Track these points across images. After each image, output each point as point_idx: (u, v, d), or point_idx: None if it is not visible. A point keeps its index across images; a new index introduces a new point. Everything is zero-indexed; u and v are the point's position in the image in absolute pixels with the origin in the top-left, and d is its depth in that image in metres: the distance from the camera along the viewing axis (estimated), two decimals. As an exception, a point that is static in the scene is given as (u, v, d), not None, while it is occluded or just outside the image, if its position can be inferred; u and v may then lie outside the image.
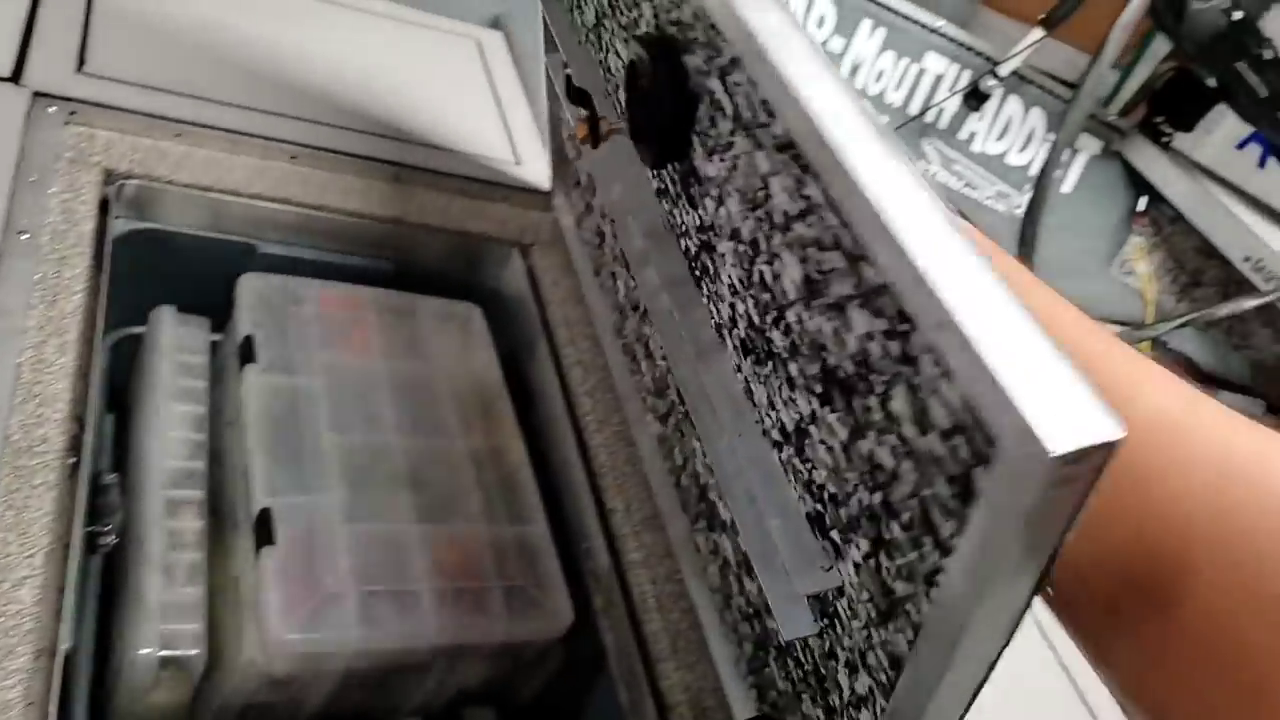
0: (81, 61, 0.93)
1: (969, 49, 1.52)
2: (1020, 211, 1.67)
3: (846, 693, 0.52)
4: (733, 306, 0.57)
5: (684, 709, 0.72)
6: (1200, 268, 1.61)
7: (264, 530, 0.72)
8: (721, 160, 0.55)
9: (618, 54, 0.70)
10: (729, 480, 0.60)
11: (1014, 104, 1.58)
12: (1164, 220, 1.64)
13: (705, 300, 0.62)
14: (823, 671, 0.55)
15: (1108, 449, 0.28)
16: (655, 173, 0.67)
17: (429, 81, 1.18)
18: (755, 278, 0.53)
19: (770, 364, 0.53)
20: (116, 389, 0.93)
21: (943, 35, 1.51)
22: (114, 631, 0.73)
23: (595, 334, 0.98)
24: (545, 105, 1.02)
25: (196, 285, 0.92)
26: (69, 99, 0.88)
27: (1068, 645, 0.91)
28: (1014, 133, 1.60)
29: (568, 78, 0.72)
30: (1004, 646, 0.37)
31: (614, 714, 0.78)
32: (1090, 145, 1.63)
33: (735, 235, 0.55)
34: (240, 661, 0.70)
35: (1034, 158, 1.62)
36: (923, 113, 1.51)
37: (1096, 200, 1.66)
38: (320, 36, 1.15)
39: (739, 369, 0.58)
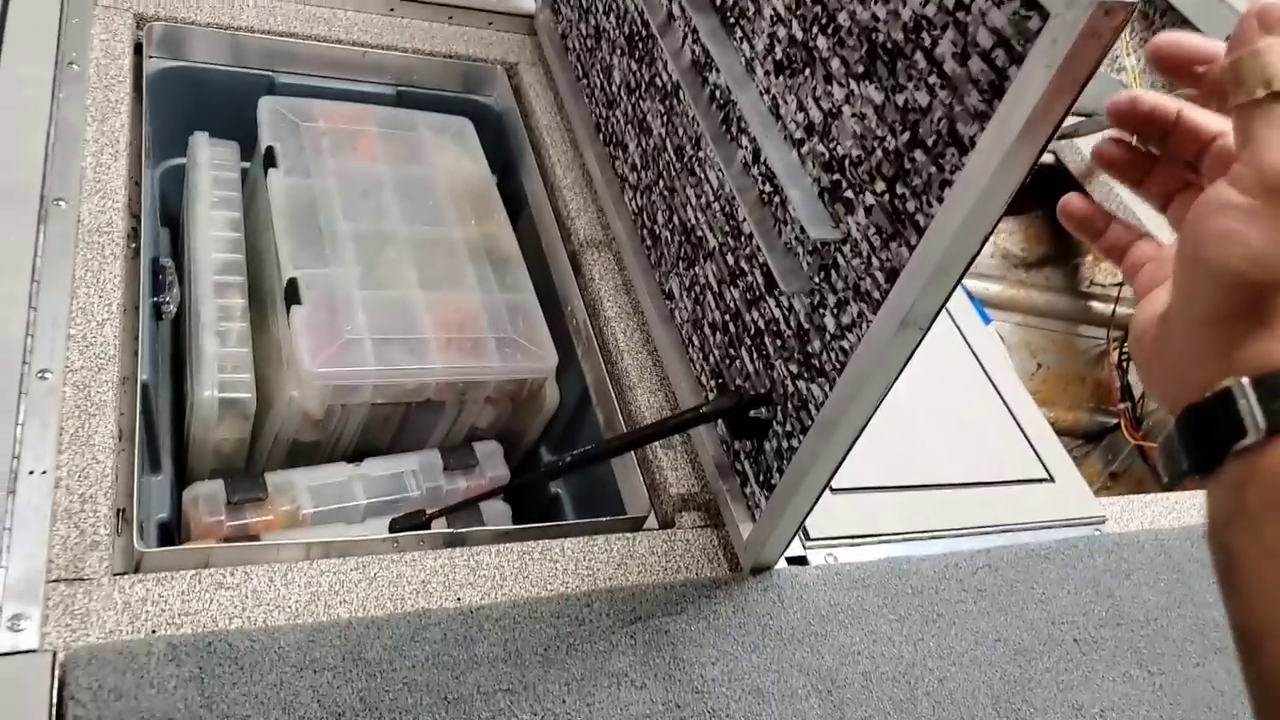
0: (105, -78, 1.06)
1: None
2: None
3: (831, 331, 0.67)
4: (771, 36, 0.71)
5: (644, 420, 0.88)
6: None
7: (292, 294, 0.87)
8: None
9: None
10: (743, 191, 0.76)
11: None
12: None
13: (736, 42, 0.76)
14: (805, 326, 0.70)
15: (1130, 8, 0.43)
16: None
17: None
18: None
19: (807, 70, 0.67)
20: (170, 211, 1.09)
21: None
22: (186, 385, 0.90)
23: (574, 138, 1.10)
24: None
25: (227, 114, 1.06)
26: (99, -45, 1.01)
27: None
28: None
29: None
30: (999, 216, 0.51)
31: (598, 438, 0.94)
32: None
33: None
34: (284, 400, 0.87)
35: None
36: None
37: None
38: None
39: (767, 91, 0.72)
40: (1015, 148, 0.48)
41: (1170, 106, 0.44)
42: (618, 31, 0.99)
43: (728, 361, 0.82)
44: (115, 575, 0.64)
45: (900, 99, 0.58)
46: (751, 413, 0.75)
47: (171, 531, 0.87)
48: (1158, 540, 0.94)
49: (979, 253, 0.54)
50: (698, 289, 0.87)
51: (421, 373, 0.88)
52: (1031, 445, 0.98)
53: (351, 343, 0.86)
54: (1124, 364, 1.59)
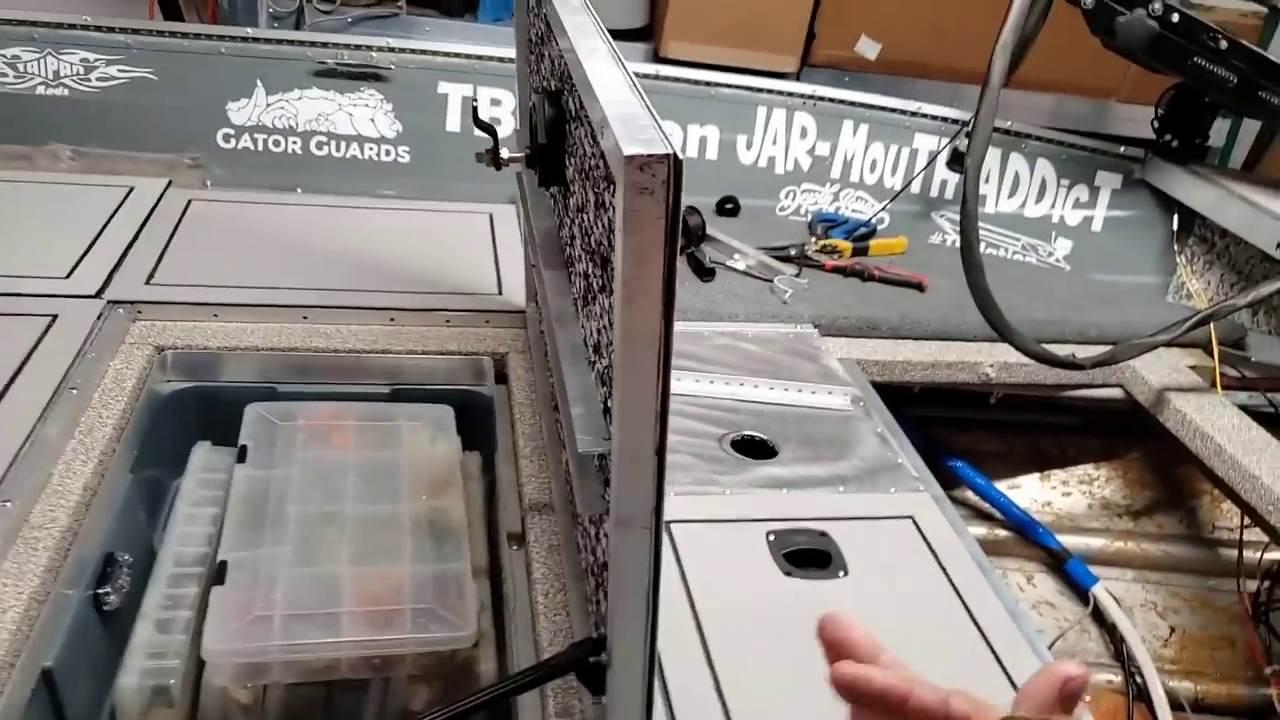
0: (152, 275, 1.25)
1: (953, 120, 1.60)
2: (1055, 260, 1.67)
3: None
4: (584, 273, 0.73)
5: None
6: (1268, 272, 1.52)
7: (219, 576, 0.91)
8: (572, 159, 0.74)
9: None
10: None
11: (1018, 161, 1.62)
12: (1214, 235, 1.58)
13: (571, 283, 0.79)
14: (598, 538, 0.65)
15: (667, 158, 0.43)
16: (551, 196, 0.87)
17: (439, 246, 1.43)
18: (583, 229, 0.70)
19: (590, 297, 0.68)
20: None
21: (924, 115, 1.61)
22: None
23: (542, 409, 1.13)
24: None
25: (234, 424, 1.17)
26: (136, 302, 1.20)
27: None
28: (1024, 187, 1.62)
29: (474, 109, 0.95)
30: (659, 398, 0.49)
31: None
32: (1110, 181, 1.62)
33: (579, 209, 0.72)
34: (205, 683, 0.87)
35: (1054, 206, 1.63)
36: (906, 185, 1.59)
37: (1130, 234, 1.62)
38: (361, 229, 1.45)
39: (582, 325, 0.73)
40: (627, 319, 0.46)
41: (901, 689, 0.42)
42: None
43: (597, 605, 0.76)
44: None
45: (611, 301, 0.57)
46: (591, 659, 0.68)
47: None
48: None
49: (661, 442, 0.50)
50: (592, 533, 0.83)
51: (327, 646, 0.87)
52: None
53: (259, 619, 0.87)
54: (1264, 617, 1.33)
